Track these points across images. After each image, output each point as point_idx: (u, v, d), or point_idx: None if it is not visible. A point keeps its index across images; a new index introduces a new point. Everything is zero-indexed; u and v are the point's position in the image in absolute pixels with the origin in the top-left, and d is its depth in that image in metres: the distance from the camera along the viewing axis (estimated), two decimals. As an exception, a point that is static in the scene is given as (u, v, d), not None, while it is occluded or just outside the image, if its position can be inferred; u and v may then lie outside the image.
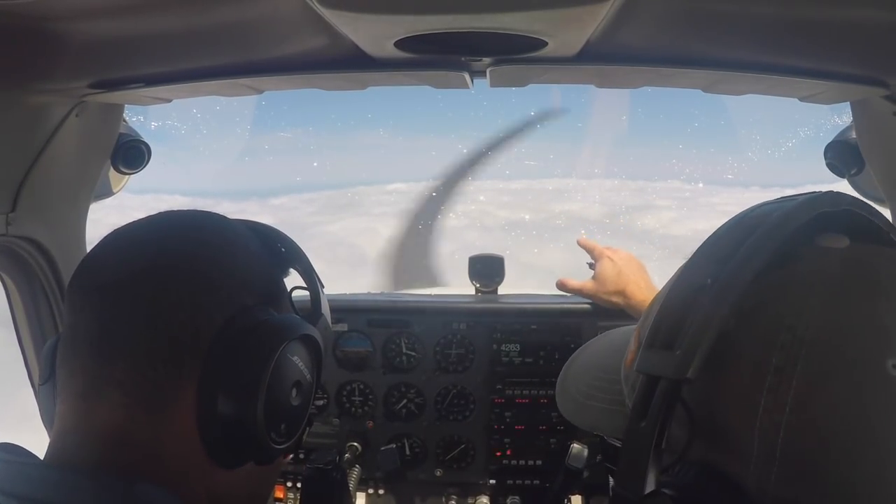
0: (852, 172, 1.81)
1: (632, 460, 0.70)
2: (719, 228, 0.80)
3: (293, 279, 1.11)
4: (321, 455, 1.63)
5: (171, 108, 1.79)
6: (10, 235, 1.63)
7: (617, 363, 0.93)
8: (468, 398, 2.31)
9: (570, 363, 1.10)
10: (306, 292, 1.13)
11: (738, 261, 0.70)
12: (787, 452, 0.68)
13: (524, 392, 2.28)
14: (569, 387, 1.05)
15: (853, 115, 1.70)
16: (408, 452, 2.32)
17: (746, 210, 0.80)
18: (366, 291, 2.61)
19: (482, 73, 1.51)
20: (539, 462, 2.30)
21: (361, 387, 2.33)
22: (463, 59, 1.41)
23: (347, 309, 2.33)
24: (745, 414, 0.70)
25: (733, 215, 0.81)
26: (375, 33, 1.20)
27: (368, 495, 2.34)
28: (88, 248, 0.94)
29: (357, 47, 1.29)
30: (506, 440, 2.30)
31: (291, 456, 1.58)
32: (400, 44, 1.23)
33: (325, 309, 1.13)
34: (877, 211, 0.78)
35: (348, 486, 2.09)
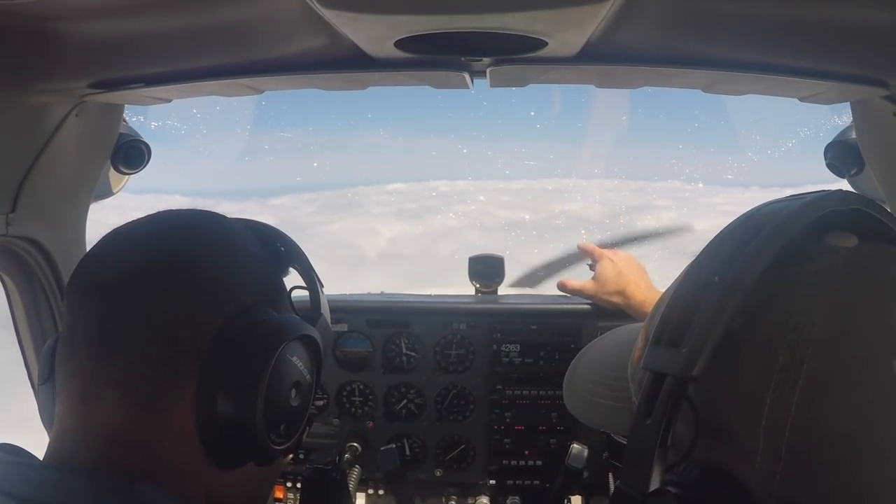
0: (852, 172, 1.81)
1: (636, 457, 0.70)
2: (727, 226, 0.80)
3: (293, 279, 1.11)
4: (321, 455, 1.62)
5: (171, 108, 1.79)
6: (10, 235, 1.63)
7: (624, 360, 0.93)
8: (468, 398, 2.31)
9: (577, 360, 1.10)
10: (306, 292, 1.13)
11: (745, 259, 0.70)
12: (792, 452, 0.67)
13: (524, 392, 2.28)
14: (576, 384, 1.05)
15: (853, 115, 1.70)
16: (408, 453, 2.32)
17: (754, 208, 0.80)
18: (366, 291, 2.61)
19: (482, 73, 1.51)
20: (539, 462, 2.30)
21: (361, 387, 2.33)
22: (463, 59, 1.41)
23: (347, 309, 2.33)
24: (750, 413, 0.70)
25: (739, 214, 0.81)
26: (375, 33, 1.20)
27: (368, 495, 2.34)
28: (88, 248, 0.94)
29: (357, 47, 1.29)
30: (506, 440, 2.30)
31: (291, 456, 1.58)
32: (400, 44, 1.23)
33: (325, 309, 1.12)
34: (886, 210, 0.77)
35: (348, 487, 2.09)
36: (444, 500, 2.31)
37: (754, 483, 0.69)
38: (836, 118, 1.90)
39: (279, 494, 2.32)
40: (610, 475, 2.07)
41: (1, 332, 2.07)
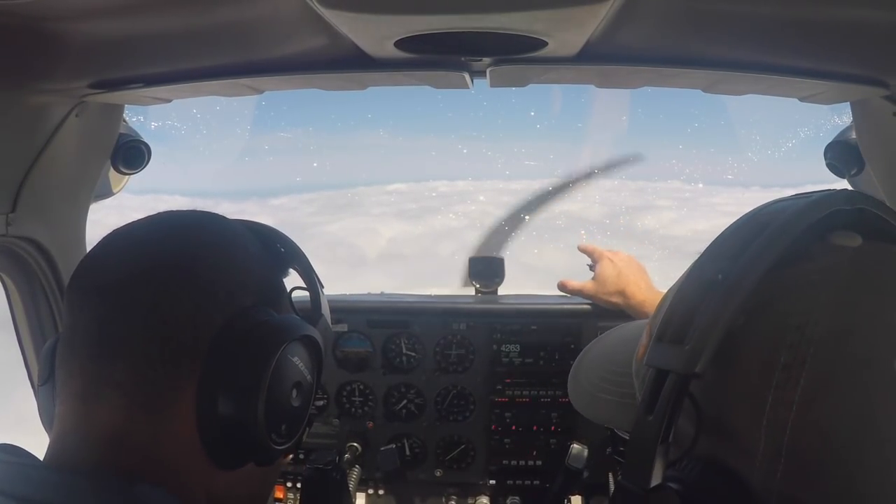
0: (852, 173, 1.81)
1: (638, 453, 0.70)
2: (731, 224, 0.80)
3: (293, 279, 1.11)
4: (321, 455, 1.62)
5: (171, 108, 1.79)
6: (10, 235, 1.63)
7: (629, 357, 0.93)
8: (468, 398, 2.31)
9: (582, 356, 1.11)
10: (306, 293, 1.13)
11: (749, 257, 0.70)
12: (793, 450, 0.68)
13: (524, 392, 2.28)
14: (580, 380, 1.05)
15: (853, 115, 1.70)
16: (408, 453, 2.32)
17: (759, 207, 0.80)
18: (366, 291, 2.61)
19: (482, 73, 1.51)
20: (539, 462, 2.30)
21: (361, 387, 2.33)
22: (463, 59, 1.41)
23: (347, 309, 2.32)
24: (751, 411, 0.70)
25: (739, 214, 0.81)
26: (375, 33, 1.20)
27: (368, 495, 2.34)
28: (88, 249, 0.94)
29: (357, 47, 1.29)
30: (506, 440, 2.30)
31: (291, 456, 1.58)
32: (400, 44, 1.23)
33: (325, 309, 1.12)
34: (892, 210, 0.77)
35: (348, 487, 2.09)
36: (444, 500, 2.31)
37: (755, 481, 0.69)
38: (836, 118, 1.90)
39: (279, 494, 2.32)
40: (610, 475, 2.07)
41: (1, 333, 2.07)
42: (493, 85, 1.58)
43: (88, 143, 1.78)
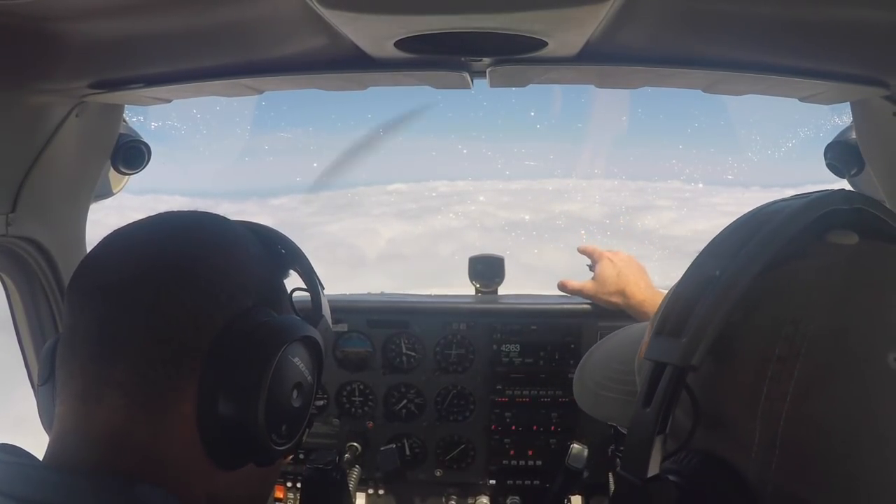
0: (852, 173, 1.81)
1: (636, 444, 0.71)
2: (732, 223, 0.82)
3: (293, 280, 1.11)
4: (321, 455, 1.62)
5: (171, 108, 1.79)
6: (10, 236, 1.63)
7: (633, 356, 0.94)
8: (468, 398, 2.31)
9: (587, 357, 1.13)
10: (306, 293, 1.13)
11: (747, 254, 0.72)
12: (788, 442, 0.69)
13: (524, 392, 2.28)
14: (585, 379, 1.07)
15: (853, 115, 1.70)
16: (408, 453, 2.32)
17: (759, 206, 0.82)
18: (366, 292, 2.61)
19: (482, 74, 1.51)
20: (539, 462, 2.30)
21: (361, 387, 2.33)
22: (463, 59, 1.41)
23: (347, 309, 2.32)
24: (747, 402, 0.71)
25: (739, 214, 0.83)
26: (375, 33, 1.20)
27: (368, 495, 2.34)
28: (88, 249, 0.93)
29: (357, 47, 1.29)
30: (506, 440, 2.30)
31: (291, 456, 1.58)
32: (400, 44, 1.23)
33: (326, 310, 1.12)
34: (889, 210, 0.79)
35: (348, 487, 2.09)
36: (444, 500, 2.31)
37: (750, 472, 0.71)
38: (836, 118, 1.90)
39: (279, 494, 2.32)
40: (610, 475, 2.07)
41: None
42: (493, 85, 1.58)
43: (88, 143, 1.78)
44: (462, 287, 2.51)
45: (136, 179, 2.07)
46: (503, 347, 2.28)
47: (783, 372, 0.69)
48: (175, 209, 1.01)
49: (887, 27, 1.14)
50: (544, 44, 1.22)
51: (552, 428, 2.28)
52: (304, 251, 1.11)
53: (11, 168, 1.58)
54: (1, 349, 2.17)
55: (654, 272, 2.19)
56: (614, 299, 2.13)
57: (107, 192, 2.01)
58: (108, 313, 0.84)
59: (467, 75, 1.50)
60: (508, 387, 2.28)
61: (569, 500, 2.17)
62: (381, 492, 2.33)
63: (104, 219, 1.88)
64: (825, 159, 1.87)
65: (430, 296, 2.51)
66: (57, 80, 1.48)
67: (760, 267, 0.71)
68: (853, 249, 0.75)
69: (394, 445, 2.12)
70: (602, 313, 2.21)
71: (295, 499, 2.31)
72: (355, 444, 2.26)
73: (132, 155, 1.91)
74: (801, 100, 1.59)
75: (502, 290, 2.46)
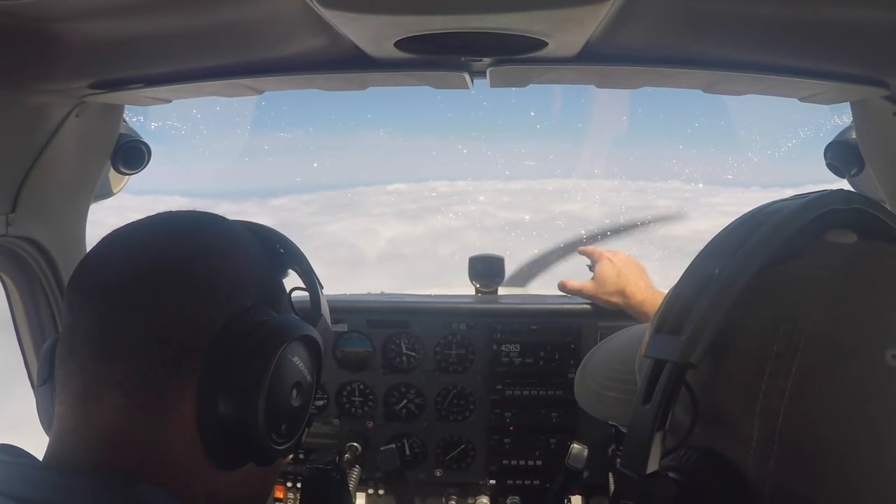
0: (852, 173, 1.81)
1: (636, 441, 0.72)
2: (732, 222, 0.82)
3: (292, 280, 1.11)
4: (321, 455, 1.62)
5: (171, 108, 1.79)
6: (10, 236, 1.63)
7: (633, 355, 0.95)
8: (468, 398, 2.31)
9: (589, 356, 1.13)
10: (305, 293, 1.13)
11: (746, 252, 0.73)
12: (786, 438, 0.69)
13: (524, 392, 2.28)
14: (587, 379, 1.08)
15: (853, 115, 1.70)
16: (408, 453, 2.32)
17: (759, 206, 0.83)
18: (366, 292, 2.61)
19: (482, 74, 1.51)
20: (539, 462, 2.30)
21: (361, 387, 2.33)
22: (463, 59, 1.41)
23: (347, 309, 2.32)
24: (746, 399, 0.72)
25: (739, 214, 0.84)
26: (375, 33, 1.20)
27: (368, 495, 2.34)
28: (88, 249, 0.94)
29: (357, 47, 1.29)
30: (506, 440, 2.30)
31: (291, 456, 1.58)
32: (400, 44, 1.23)
33: (325, 309, 1.13)
34: (888, 210, 0.80)
35: (348, 487, 2.09)
36: (444, 500, 2.31)
37: (749, 468, 0.71)
38: (836, 118, 1.90)
39: (279, 494, 2.32)
40: (610, 475, 2.07)
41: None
42: (493, 85, 1.58)
43: (88, 144, 1.78)
44: (462, 287, 2.51)
45: (135, 179, 2.07)
46: (503, 347, 2.28)
47: (781, 369, 0.70)
48: (174, 209, 1.01)
49: (887, 27, 1.14)
50: (544, 44, 1.22)
51: (552, 428, 2.28)
52: (303, 251, 1.12)
53: (11, 168, 1.58)
54: (1, 349, 2.17)
55: (654, 272, 2.19)
56: (614, 299, 2.13)
57: (107, 192, 2.01)
58: (108, 313, 0.84)
59: (467, 75, 1.50)
60: (508, 387, 2.28)
61: (569, 500, 2.17)
62: (381, 492, 2.33)
63: (104, 219, 1.89)
64: (825, 159, 1.87)
65: (430, 296, 2.51)
66: (57, 80, 1.48)
67: (759, 265, 0.71)
68: (852, 248, 0.75)
69: (394, 445, 2.12)
70: (602, 313, 2.21)
71: (295, 499, 2.31)
72: (355, 444, 2.26)
73: (132, 155, 1.91)
74: (801, 100, 1.59)
75: (502, 290, 2.47)
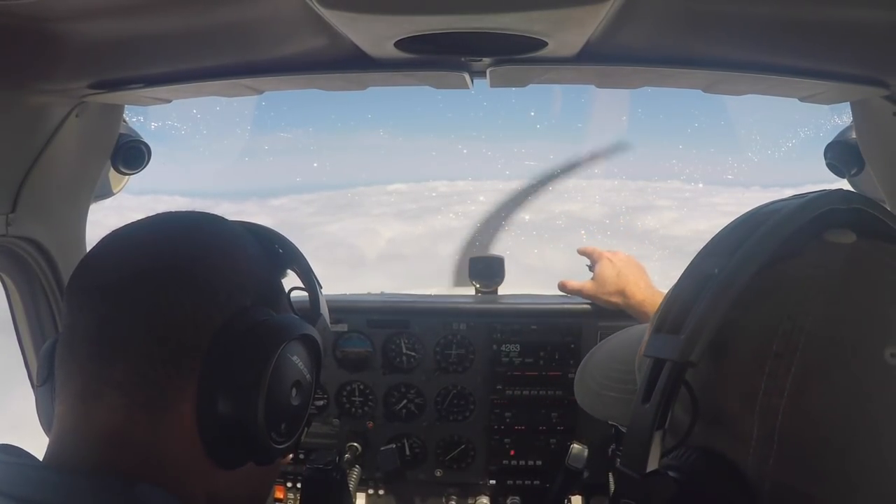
0: (852, 172, 1.81)
1: (636, 440, 0.72)
2: (731, 222, 0.83)
3: (291, 281, 1.11)
4: (321, 455, 1.63)
5: (171, 108, 1.79)
6: (10, 236, 1.63)
7: (633, 355, 0.95)
8: (468, 398, 2.31)
9: (588, 357, 1.13)
10: (305, 293, 1.13)
11: (745, 252, 0.73)
12: (785, 437, 0.70)
13: (524, 392, 2.28)
14: (586, 379, 1.08)
15: (853, 115, 1.70)
16: (408, 453, 2.32)
17: (759, 206, 0.83)
18: (366, 292, 2.61)
19: (482, 74, 1.51)
20: (539, 462, 2.30)
21: (361, 387, 2.33)
22: (463, 59, 1.41)
23: (347, 309, 2.32)
24: (745, 398, 0.72)
25: (739, 214, 0.84)
26: (375, 33, 1.20)
27: (368, 495, 2.34)
28: (88, 249, 0.94)
29: (357, 47, 1.29)
30: (506, 440, 2.30)
31: (291, 456, 1.58)
32: (400, 44, 1.23)
33: (324, 309, 1.13)
34: (887, 210, 0.80)
35: (348, 487, 2.09)
36: (444, 500, 2.31)
37: (749, 467, 0.72)
38: (836, 118, 1.90)
39: (279, 494, 2.32)
40: (610, 475, 2.07)
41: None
42: (493, 85, 1.58)
43: (88, 144, 1.78)
44: (462, 287, 2.50)
45: (135, 179, 2.07)
46: (503, 347, 2.28)
47: (780, 368, 0.70)
48: (174, 209, 1.01)
49: (887, 27, 1.14)
50: (544, 44, 1.22)
51: (552, 428, 2.28)
52: (301, 251, 1.12)
53: (11, 168, 1.58)
54: (1, 349, 2.17)
55: (654, 272, 2.19)
56: (614, 299, 2.13)
57: (107, 192, 2.01)
58: (108, 313, 0.84)
59: (467, 75, 1.50)
60: (508, 387, 2.28)
61: (569, 500, 2.17)
62: (381, 492, 2.33)
63: (104, 219, 1.88)
64: (825, 159, 1.87)
65: (430, 296, 2.51)
66: (57, 80, 1.48)
67: (758, 265, 0.72)
68: (851, 248, 0.75)
69: (394, 445, 2.12)
70: (602, 313, 2.21)
71: (295, 499, 2.31)
72: (355, 444, 2.26)
73: (132, 155, 1.91)
74: (801, 100, 1.59)
75: (502, 290, 2.47)
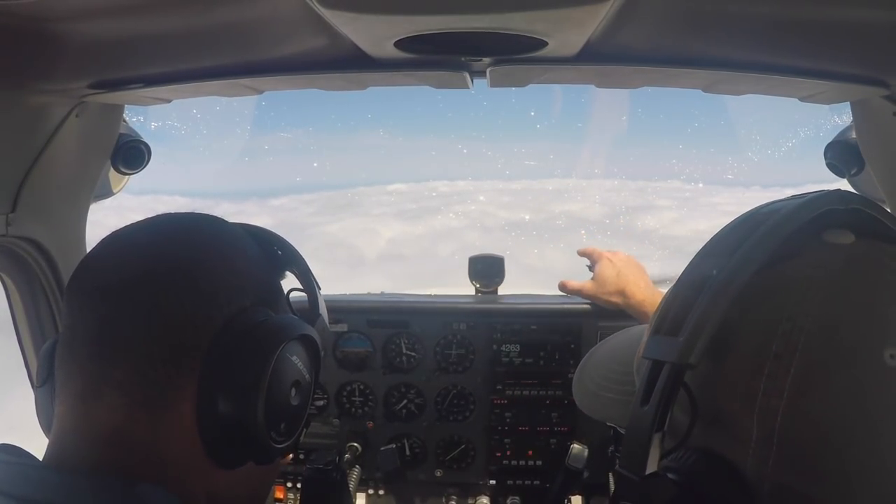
0: (852, 172, 1.81)
1: (635, 442, 0.72)
2: (729, 224, 0.82)
3: (290, 282, 1.12)
4: (321, 455, 1.63)
5: (171, 108, 1.79)
6: (10, 236, 1.63)
7: (632, 356, 0.95)
8: (468, 398, 2.31)
9: (587, 358, 1.13)
10: (304, 294, 1.13)
11: (744, 253, 0.73)
12: (785, 438, 0.70)
13: (524, 392, 2.28)
14: (585, 380, 1.08)
15: (853, 115, 1.70)
16: (408, 453, 2.32)
17: (757, 206, 0.83)
18: (365, 292, 2.61)
19: (482, 73, 1.51)
20: (539, 462, 2.30)
21: (361, 387, 2.33)
22: (463, 59, 1.41)
23: (347, 309, 2.33)
24: (744, 399, 0.72)
25: (739, 214, 0.84)
26: (375, 33, 1.20)
27: (368, 496, 2.34)
28: (88, 249, 0.94)
29: (357, 47, 1.29)
30: (506, 440, 2.30)
31: (291, 456, 1.58)
32: (400, 44, 1.23)
33: (323, 309, 1.13)
34: (886, 211, 0.80)
35: (348, 487, 2.09)
36: (444, 500, 2.31)
37: (748, 468, 0.71)
38: (836, 118, 1.90)
39: (279, 494, 2.32)
40: (610, 475, 2.07)
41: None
42: (493, 85, 1.58)
43: (88, 143, 1.78)
44: (462, 287, 2.51)
45: (135, 179, 2.07)
46: (503, 347, 2.28)
47: (780, 369, 0.70)
48: (174, 210, 1.01)
49: (887, 27, 1.14)
50: (544, 44, 1.22)
51: (552, 428, 2.28)
52: (300, 252, 1.12)
53: (11, 168, 1.58)
54: (1, 350, 2.17)
55: (654, 272, 2.19)
56: (614, 299, 2.13)
57: (107, 192, 2.01)
58: (108, 313, 0.84)
59: (467, 75, 1.50)
60: (508, 387, 2.28)
61: (569, 500, 2.17)
62: (381, 492, 2.33)
63: (104, 219, 1.89)
64: (825, 159, 1.87)
65: (430, 296, 2.51)
66: (57, 80, 1.48)
67: (757, 265, 0.72)
68: (849, 248, 0.75)
69: (394, 445, 2.12)
70: (602, 313, 2.21)
71: (295, 499, 2.31)
72: (355, 444, 2.26)
73: (132, 155, 1.91)
74: (801, 100, 1.59)
75: (502, 290, 2.47)
